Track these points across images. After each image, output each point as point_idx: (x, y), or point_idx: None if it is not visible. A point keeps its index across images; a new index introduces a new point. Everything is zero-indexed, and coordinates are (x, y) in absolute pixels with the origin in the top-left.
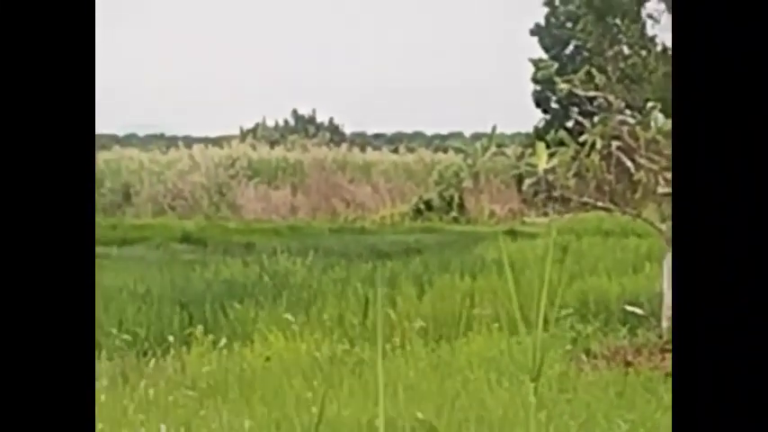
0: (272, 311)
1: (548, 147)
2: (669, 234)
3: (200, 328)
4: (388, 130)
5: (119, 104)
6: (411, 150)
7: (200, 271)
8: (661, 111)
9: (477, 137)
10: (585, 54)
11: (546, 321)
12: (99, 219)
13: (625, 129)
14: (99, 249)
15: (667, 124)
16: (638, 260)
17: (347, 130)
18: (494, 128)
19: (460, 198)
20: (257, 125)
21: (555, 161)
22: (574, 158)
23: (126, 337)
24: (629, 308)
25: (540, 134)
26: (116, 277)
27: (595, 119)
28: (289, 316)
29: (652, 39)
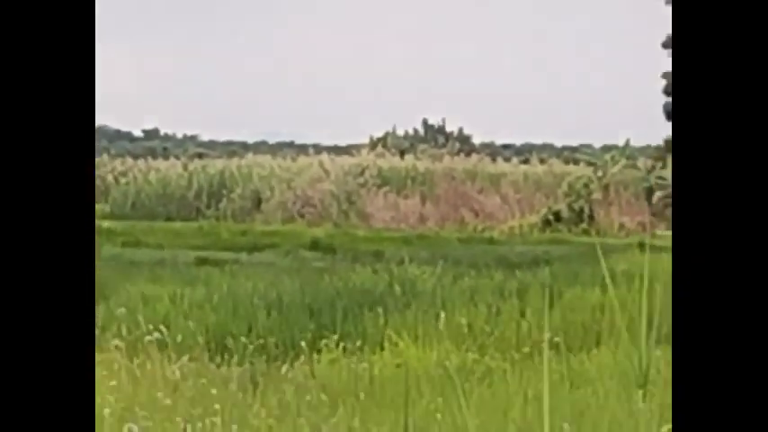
0: (401, 320)
1: None
2: None
3: (330, 334)
4: (517, 140)
5: (249, 112)
6: (541, 161)
7: (329, 278)
8: None
9: (606, 149)
10: None
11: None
12: (229, 224)
13: None
14: (229, 255)
15: None
16: None
17: (476, 141)
18: (627, 141)
19: (590, 210)
20: (387, 134)
21: None
22: None
23: (259, 341)
24: None
25: (671, 147)
26: (246, 283)
27: None
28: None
29: None
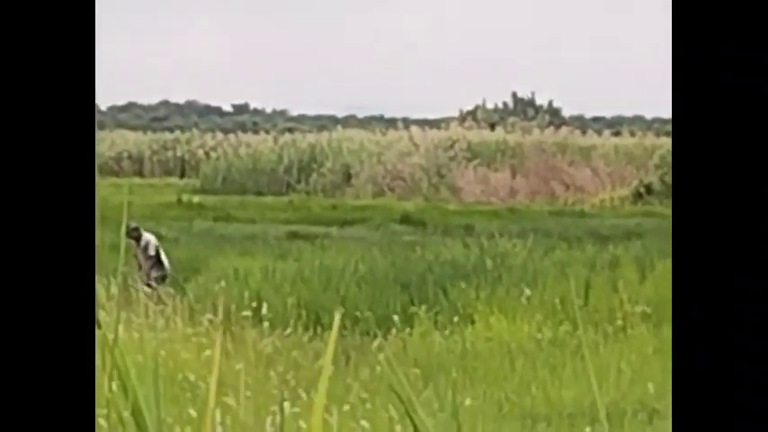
0: (492, 293)
1: None
2: None
3: (422, 308)
4: (607, 113)
5: (338, 87)
6: (632, 134)
7: (420, 252)
8: None
9: None
10: None
11: None
12: (320, 199)
13: None
14: (320, 229)
15: None
16: None
17: (566, 113)
18: None
19: None
20: (476, 107)
21: None
22: None
23: (352, 315)
24: None
25: None
26: (337, 257)
27: None
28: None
29: None
